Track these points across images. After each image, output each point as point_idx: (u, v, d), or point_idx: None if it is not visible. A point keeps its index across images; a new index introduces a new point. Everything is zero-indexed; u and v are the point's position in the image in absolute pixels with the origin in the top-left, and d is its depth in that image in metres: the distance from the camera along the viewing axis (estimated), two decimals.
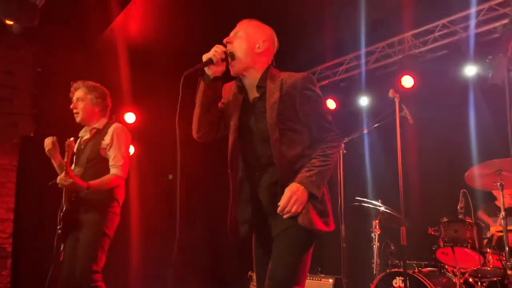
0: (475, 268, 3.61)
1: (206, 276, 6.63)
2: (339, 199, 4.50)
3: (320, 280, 4.80)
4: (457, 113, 5.33)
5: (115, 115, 5.96)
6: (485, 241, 3.73)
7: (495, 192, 4.11)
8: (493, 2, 5.00)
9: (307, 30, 5.51)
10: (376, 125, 4.49)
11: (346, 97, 6.49)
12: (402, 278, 3.56)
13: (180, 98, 2.04)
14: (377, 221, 4.43)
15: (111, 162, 3.10)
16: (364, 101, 6.31)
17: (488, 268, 3.57)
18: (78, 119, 3.26)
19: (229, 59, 2.11)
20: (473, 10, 5.10)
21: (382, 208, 4.37)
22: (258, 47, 2.15)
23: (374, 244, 4.37)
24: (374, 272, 4.28)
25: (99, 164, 3.11)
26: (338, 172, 4.55)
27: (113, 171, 3.09)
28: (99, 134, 3.21)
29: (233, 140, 2.17)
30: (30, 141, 5.13)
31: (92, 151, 3.15)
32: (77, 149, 3.28)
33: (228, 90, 2.29)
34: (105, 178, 3.05)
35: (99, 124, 3.26)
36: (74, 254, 3.00)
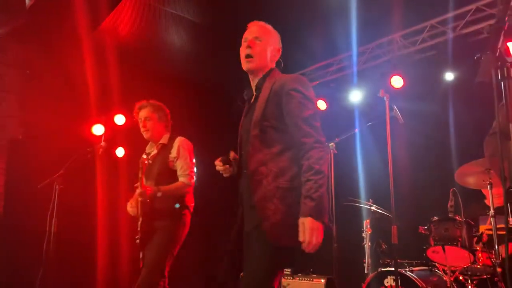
0: (465, 266, 3.62)
1: (198, 277, 6.61)
2: (331, 199, 4.51)
3: (312, 280, 4.81)
4: (447, 112, 5.37)
5: (104, 117, 5.94)
6: (475, 239, 3.75)
7: (484, 191, 4.14)
8: (480, 2, 5.05)
9: (297, 32, 5.52)
10: (366, 125, 4.52)
11: (336, 98, 6.51)
12: (394, 277, 3.58)
13: None
14: (368, 220, 4.45)
15: (179, 172, 3.41)
16: (354, 101, 6.34)
17: (478, 266, 3.59)
18: (147, 136, 3.59)
19: (246, 58, 2.23)
20: (453, 12, 5.19)
21: (373, 208, 4.40)
22: (274, 56, 2.30)
23: (365, 244, 4.38)
24: (366, 272, 4.29)
25: (168, 175, 3.40)
26: (329, 172, 4.56)
27: (181, 179, 3.39)
28: (165, 148, 3.50)
29: (238, 142, 2.30)
30: (18, 143, 5.09)
31: (161, 165, 3.44)
32: (144, 164, 3.51)
33: None
34: (174, 184, 3.36)
35: (164, 139, 3.57)
36: None
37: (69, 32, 5.22)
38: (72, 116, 5.55)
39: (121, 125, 6.23)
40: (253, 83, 2.30)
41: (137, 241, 3.25)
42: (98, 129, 5.87)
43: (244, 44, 2.27)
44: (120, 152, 6.21)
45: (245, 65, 2.24)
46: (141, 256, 3.29)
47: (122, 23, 5.61)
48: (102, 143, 4.38)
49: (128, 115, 6.29)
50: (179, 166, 3.41)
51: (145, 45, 6.12)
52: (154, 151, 3.56)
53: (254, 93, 2.29)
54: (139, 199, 3.25)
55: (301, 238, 1.92)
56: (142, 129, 3.57)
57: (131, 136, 6.28)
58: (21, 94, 5.09)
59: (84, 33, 5.25)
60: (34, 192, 3.95)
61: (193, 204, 3.49)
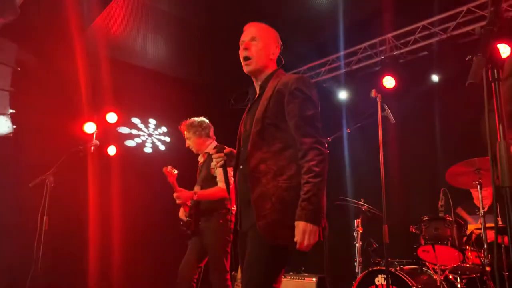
0: (455, 265, 3.66)
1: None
2: None
3: (304, 279, 4.83)
4: (438, 112, 5.42)
5: (96, 115, 5.91)
6: (465, 238, 3.80)
7: (472, 191, 4.19)
8: (471, 4, 5.10)
9: (290, 31, 5.54)
10: (358, 125, 4.54)
11: (328, 97, 6.54)
12: (384, 276, 3.60)
13: None
14: (359, 220, 4.48)
15: (218, 177, 3.76)
16: (346, 101, 6.37)
17: (468, 265, 3.63)
18: (194, 151, 4.03)
19: (244, 61, 2.24)
20: (444, 14, 5.24)
21: (365, 207, 4.42)
22: (273, 54, 2.29)
23: (356, 243, 4.41)
24: (357, 271, 4.32)
25: (210, 181, 3.78)
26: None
27: (219, 184, 3.75)
28: (210, 157, 3.80)
29: (237, 138, 2.30)
30: (8, 141, 5.04)
31: (205, 172, 3.86)
32: (198, 171, 4.05)
33: None
34: (211, 189, 3.74)
35: (209, 148, 3.93)
36: (191, 254, 3.75)
37: (61, 30, 5.18)
38: (64, 114, 5.52)
39: (113, 123, 6.21)
40: (257, 84, 2.30)
41: (188, 232, 3.74)
42: (90, 127, 5.84)
43: (241, 47, 2.26)
44: (112, 150, 6.19)
45: (244, 68, 2.26)
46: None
47: (114, 21, 5.59)
48: (94, 141, 4.38)
49: (120, 113, 6.28)
50: (218, 172, 3.74)
51: (138, 43, 6.10)
52: (202, 159, 4.01)
53: (258, 92, 2.29)
54: (177, 201, 3.72)
55: (296, 239, 1.92)
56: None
57: (123, 134, 6.27)
58: (12, 91, 5.05)
59: (76, 31, 5.22)
60: (26, 190, 3.92)
61: (234, 208, 3.72)
